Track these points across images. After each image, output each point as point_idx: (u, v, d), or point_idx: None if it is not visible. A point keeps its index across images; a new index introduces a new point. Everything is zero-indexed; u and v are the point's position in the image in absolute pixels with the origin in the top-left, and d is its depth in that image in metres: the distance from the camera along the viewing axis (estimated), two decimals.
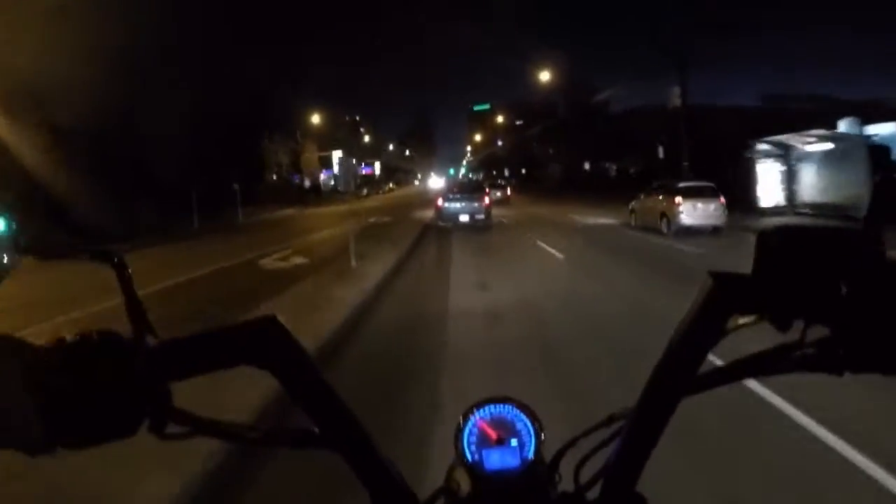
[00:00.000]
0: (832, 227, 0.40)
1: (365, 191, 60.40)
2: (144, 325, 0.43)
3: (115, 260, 0.44)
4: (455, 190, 18.41)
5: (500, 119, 75.66)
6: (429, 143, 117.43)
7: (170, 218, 22.33)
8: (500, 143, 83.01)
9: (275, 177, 42.67)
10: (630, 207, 16.11)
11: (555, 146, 49.34)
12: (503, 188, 32.20)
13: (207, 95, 24.62)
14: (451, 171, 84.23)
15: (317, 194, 52.20)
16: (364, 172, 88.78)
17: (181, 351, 0.43)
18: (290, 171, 46.19)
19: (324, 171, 62.07)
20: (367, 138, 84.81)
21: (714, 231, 13.36)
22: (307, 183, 51.86)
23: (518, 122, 67.07)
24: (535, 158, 57.63)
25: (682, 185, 14.07)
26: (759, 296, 0.41)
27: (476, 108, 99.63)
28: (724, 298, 0.41)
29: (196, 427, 0.44)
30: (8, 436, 0.38)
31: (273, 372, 0.43)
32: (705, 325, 0.42)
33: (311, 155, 51.43)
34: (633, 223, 15.77)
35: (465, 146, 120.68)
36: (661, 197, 14.32)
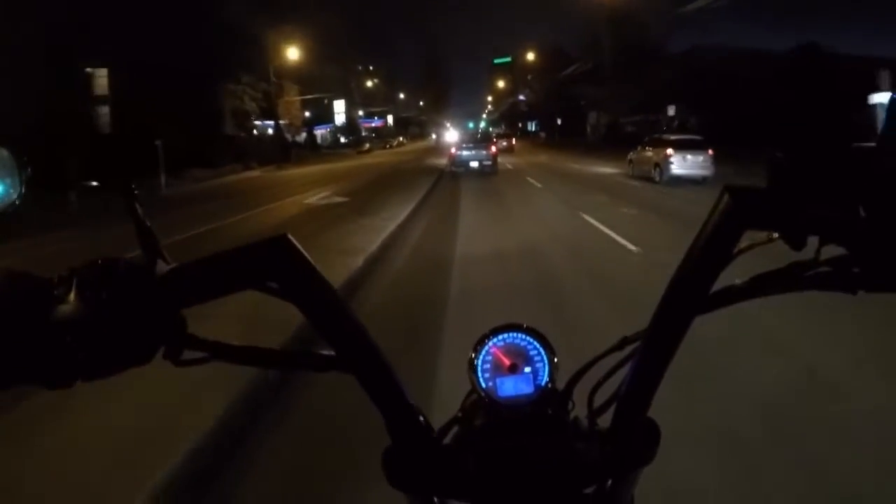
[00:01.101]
0: (846, 145, 0.40)
1: (367, 145, 56.08)
2: (156, 250, 0.43)
3: (123, 185, 0.44)
4: (467, 141, 21.20)
5: (530, 56, 65.15)
6: (445, 96, 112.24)
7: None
8: (521, 97, 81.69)
9: (242, 131, 34.47)
10: (628, 158, 17.66)
11: (597, 93, 39.56)
12: (508, 138, 40.89)
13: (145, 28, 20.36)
14: (471, 125, 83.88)
15: (303, 149, 44.69)
16: (373, 125, 78.88)
17: (193, 276, 0.43)
18: (263, 120, 37.72)
19: (317, 125, 55.12)
20: (369, 83, 79.01)
21: (703, 180, 14.88)
22: (290, 136, 43.50)
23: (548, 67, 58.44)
24: (573, 106, 48.11)
25: (673, 137, 15.55)
26: (774, 211, 0.40)
27: (497, 61, 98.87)
28: (738, 213, 0.40)
29: (212, 352, 0.44)
30: (25, 371, 0.38)
31: (286, 294, 0.43)
32: (720, 241, 0.41)
33: (290, 100, 41.03)
34: (630, 173, 17.33)
35: (486, 98, 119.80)
36: (655, 149, 15.83)
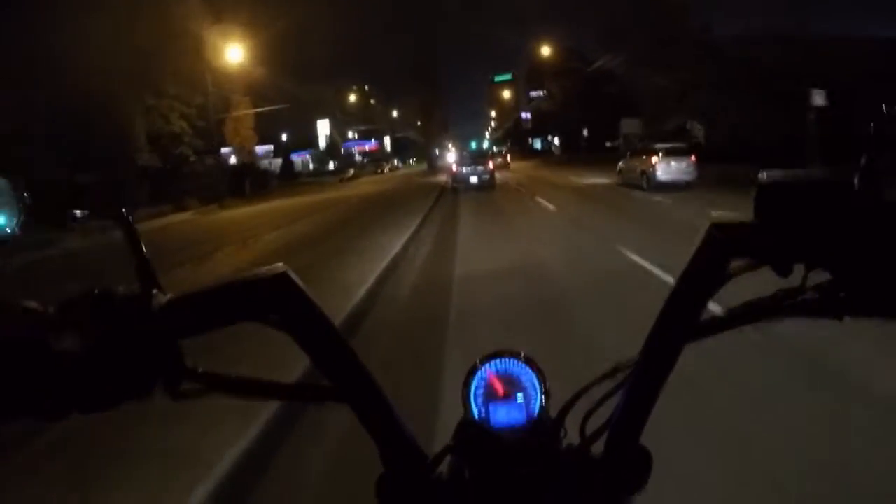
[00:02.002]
0: (830, 173, 0.41)
1: (351, 171, 51.27)
2: (153, 281, 0.43)
3: (120, 215, 0.44)
4: (466, 159, 23.62)
5: (545, 52, 49.77)
6: (443, 116, 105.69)
7: None
8: (525, 114, 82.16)
9: (170, 159, 26.48)
10: (618, 168, 18.76)
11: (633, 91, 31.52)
12: (503, 155, 44.21)
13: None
14: (473, 145, 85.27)
15: (273, 179, 38.91)
16: (367, 147, 72.82)
17: (191, 307, 0.43)
18: (205, 145, 27.84)
19: (297, 151, 52.88)
20: (353, 98, 71.41)
21: (687, 185, 15.89)
22: (244, 161, 35.22)
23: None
24: (602, 113, 39.33)
25: (658, 146, 16.62)
26: (760, 241, 0.41)
27: (497, 78, 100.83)
28: (724, 244, 0.42)
29: (210, 384, 0.44)
30: (20, 403, 0.38)
31: (285, 327, 0.43)
32: (706, 272, 0.43)
33: (238, 115, 31.58)
34: (620, 181, 18.40)
35: (489, 115, 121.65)
36: (642, 157, 16.90)
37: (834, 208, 0.39)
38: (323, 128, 70.10)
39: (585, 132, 44.84)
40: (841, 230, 0.39)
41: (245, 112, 32.08)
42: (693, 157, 16.04)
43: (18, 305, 0.40)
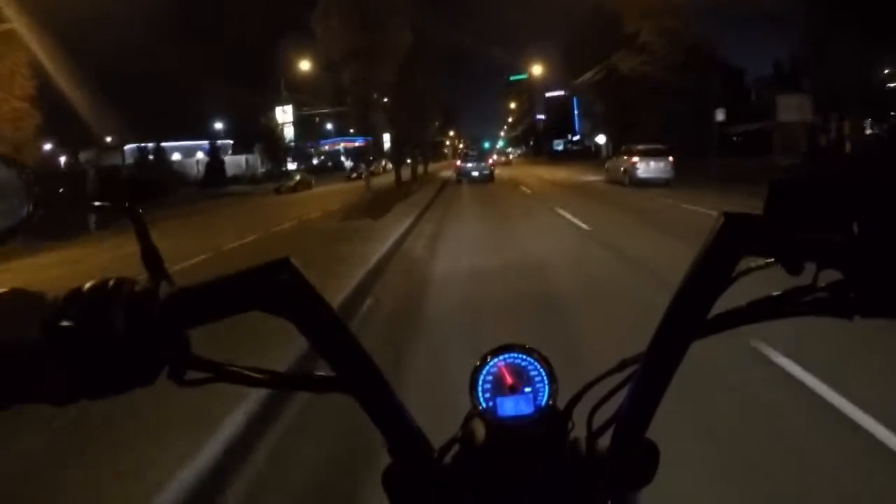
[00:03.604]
0: (844, 172, 0.41)
1: (296, 179, 34.88)
2: (160, 272, 0.45)
3: (131, 208, 0.46)
4: (468, 156, 28.46)
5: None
6: (455, 116, 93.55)
7: None
8: (540, 116, 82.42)
9: None
10: (605, 167, 20.91)
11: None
12: (507, 155, 47.68)
13: None
14: (486, 145, 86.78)
15: (158, 186, 29.18)
16: (356, 144, 52.86)
17: (197, 297, 0.45)
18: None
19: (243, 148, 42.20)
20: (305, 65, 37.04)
21: (666, 183, 17.86)
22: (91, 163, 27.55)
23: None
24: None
25: (639, 147, 18.68)
26: (771, 237, 0.41)
27: (512, 78, 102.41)
28: (735, 238, 0.42)
29: (215, 373, 0.46)
30: (29, 388, 0.40)
31: (289, 316, 0.44)
32: (716, 266, 0.42)
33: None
34: (606, 179, 20.46)
35: (502, 119, 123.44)
36: (624, 157, 18.97)
37: (847, 209, 0.39)
38: (285, 116, 54.52)
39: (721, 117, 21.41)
40: (854, 231, 0.39)
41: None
42: (671, 158, 18.04)
43: (31, 293, 0.43)
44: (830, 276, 0.42)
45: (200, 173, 45.68)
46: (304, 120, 59.11)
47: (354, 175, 42.50)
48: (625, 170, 18.63)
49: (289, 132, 57.13)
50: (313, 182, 35.30)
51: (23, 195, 0.48)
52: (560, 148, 74.81)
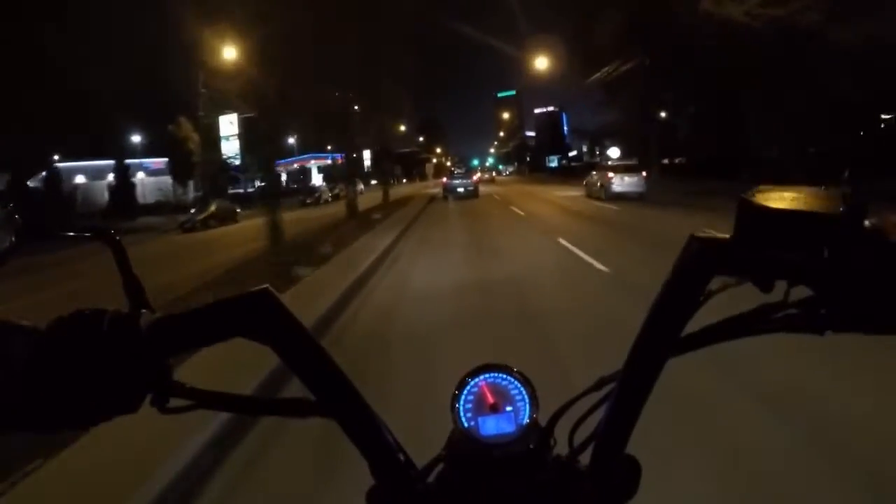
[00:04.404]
0: (814, 196, 0.41)
1: (211, 208, 25.82)
2: (141, 300, 0.46)
3: (111, 237, 0.47)
4: (455, 174, 30.09)
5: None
6: (443, 134, 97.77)
7: None
8: (529, 132, 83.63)
9: None
10: (584, 182, 22.24)
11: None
12: (490, 172, 50.79)
13: None
14: (475, 162, 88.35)
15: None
16: (329, 161, 51.66)
17: (178, 325, 0.45)
18: None
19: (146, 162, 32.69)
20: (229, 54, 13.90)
21: (639, 197, 19.09)
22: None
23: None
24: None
25: (614, 163, 20.02)
26: (741, 257, 0.42)
27: (501, 94, 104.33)
28: (705, 259, 0.43)
29: (197, 400, 0.47)
30: (11, 418, 0.41)
31: (269, 343, 0.46)
32: (687, 287, 0.44)
33: None
34: (585, 194, 21.77)
35: (491, 135, 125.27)
36: (602, 173, 20.29)
37: (816, 228, 0.40)
38: (230, 128, 44.47)
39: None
40: (823, 249, 0.40)
41: None
42: (644, 173, 19.33)
43: (10, 323, 0.43)
44: (801, 292, 0.43)
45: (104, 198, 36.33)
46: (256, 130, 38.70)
47: (310, 201, 36.95)
48: (602, 185, 19.89)
49: (233, 147, 45.13)
50: (237, 212, 27.45)
51: (5, 226, 0.51)
52: (554, 164, 73.10)
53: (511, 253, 9.22)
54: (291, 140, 52.04)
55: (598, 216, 14.58)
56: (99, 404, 0.43)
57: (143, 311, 0.46)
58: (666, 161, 29.55)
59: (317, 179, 57.79)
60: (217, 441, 2.91)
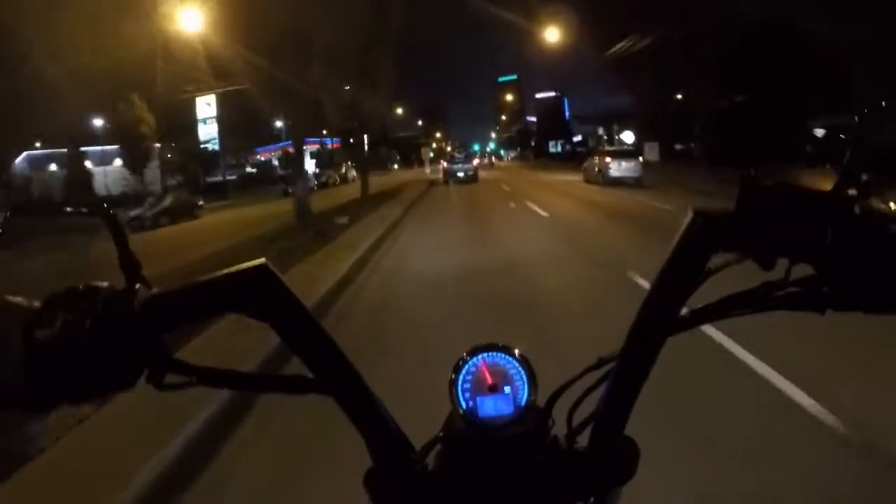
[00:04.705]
0: (812, 180, 0.41)
1: (167, 201, 23.04)
2: (137, 276, 0.45)
3: (107, 212, 0.47)
4: (455, 159, 31.38)
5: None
6: (443, 119, 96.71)
7: None
8: (530, 118, 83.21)
9: None
10: (583, 167, 23.00)
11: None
12: (490, 157, 50.27)
13: None
14: (476, 147, 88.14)
15: None
16: (318, 146, 47.73)
17: (174, 301, 0.45)
18: None
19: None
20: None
21: (636, 182, 19.81)
22: None
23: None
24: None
25: (611, 149, 20.75)
26: (743, 233, 0.42)
27: (501, 79, 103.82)
28: (707, 235, 0.43)
29: (194, 376, 0.47)
30: (6, 396, 0.41)
31: (266, 319, 0.45)
32: (688, 263, 0.44)
33: None
34: (583, 178, 22.51)
35: (492, 120, 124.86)
36: (599, 158, 21.04)
37: (817, 207, 0.40)
38: (206, 109, 40.73)
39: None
40: (825, 228, 0.40)
41: None
42: (640, 159, 20.10)
43: (7, 300, 0.42)
44: (803, 269, 0.43)
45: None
46: (242, 113, 37.99)
47: (292, 190, 23.49)
48: (599, 170, 20.63)
49: (210, 131, 41.20)
50: (197, 206, 24.67)
51: None
52: (558, 150, 72.50)
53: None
54: (279, 123, 44.07)
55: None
56: (94, 381, 0.43)
57: (139, 286, 0.46)
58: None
59: (309, 165, 45.78)
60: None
